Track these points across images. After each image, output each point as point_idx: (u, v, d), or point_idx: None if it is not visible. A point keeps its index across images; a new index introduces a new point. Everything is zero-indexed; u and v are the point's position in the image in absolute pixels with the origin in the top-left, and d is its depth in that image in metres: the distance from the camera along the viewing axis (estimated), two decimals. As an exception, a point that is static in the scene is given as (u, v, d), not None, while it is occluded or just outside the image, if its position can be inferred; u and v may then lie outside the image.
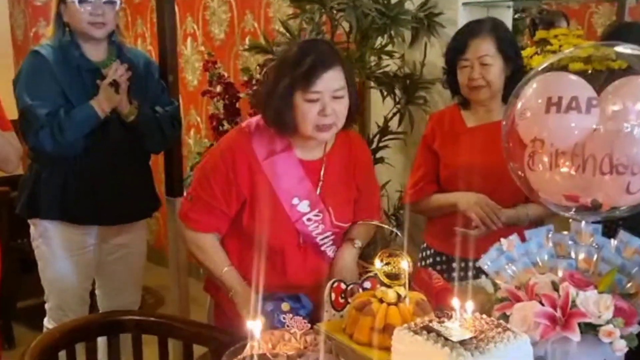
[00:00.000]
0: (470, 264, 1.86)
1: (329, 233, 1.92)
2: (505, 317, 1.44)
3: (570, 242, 1.60)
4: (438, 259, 2.30)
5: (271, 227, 1.84)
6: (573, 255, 1.58)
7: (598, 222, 1.61)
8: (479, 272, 1.68)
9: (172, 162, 2.81)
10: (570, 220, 1.62)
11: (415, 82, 2.56)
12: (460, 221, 2.13)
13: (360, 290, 1.69)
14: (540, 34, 2.65)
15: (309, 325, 1.43)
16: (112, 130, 2.44)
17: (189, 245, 1.97)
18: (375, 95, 2.72)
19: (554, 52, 2.38)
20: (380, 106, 2.69)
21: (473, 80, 2.15)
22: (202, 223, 1.90)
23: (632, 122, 1.50)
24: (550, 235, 1.62)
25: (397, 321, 1.45)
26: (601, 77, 1.58)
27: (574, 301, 1.40)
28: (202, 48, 4.11)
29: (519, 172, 1.66)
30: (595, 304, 1.39)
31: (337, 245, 1.97)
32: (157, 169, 2.95)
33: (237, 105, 2.97)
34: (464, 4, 2.55)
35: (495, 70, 2.14)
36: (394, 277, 1.56)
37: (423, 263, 2.33)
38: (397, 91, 2.60)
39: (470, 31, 2.18)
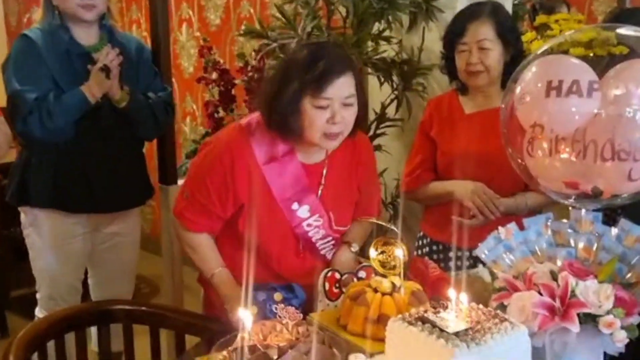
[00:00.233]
0: (467, 253, 1.84)
1: (329, 238, 1.89)
2: (503, 307, 1.42)
3: (569, 231, 1.58)
4: (435, 248, 2.27)
5: (269, 233, 1.80)
6: (572, 243, 1.55)
7: (598, 210, 1.58)
8: (477, 261, 1.65)
9: (165, 149, 2.76)
10: (570, 208, 1.59)
11: (413, 68, 2.52)
12: (458, 210, 2.10)
13: (355, 279, 1.67)
14: (540, 18, 2.62)
15: (301, 315, 1.40)
16: (104, 116, 2.39)
17: (183, 243, 1.94)
18: (372, 81, 2.68)
19: (554, 37, 2.34)
20: (378, 93, 2.65)
21: (471, 65, 2.11)
22: (196, 223, 1.86)
23: (635, 107, 1.48)
24: (549, 223, 1.60)
25: (391, 311, 1.43)
26: (602, 61, 1.55)
27: (573, 291, 1.37)
28: (198, 34, 4.07)
29: (518, 159, 1.64)
30: (595, 293, 1.37)
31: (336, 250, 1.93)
32: (151, 155, 2.92)
33: (233, 91, 2.94)
34: (463, -12, 2.50)
35: (494, 55, 2.10)
36: (389, 266, 1.53)
37: (420, 252, 2.30)
38: (394, 77, 2.55)
39: (470, 14, 2.14)
